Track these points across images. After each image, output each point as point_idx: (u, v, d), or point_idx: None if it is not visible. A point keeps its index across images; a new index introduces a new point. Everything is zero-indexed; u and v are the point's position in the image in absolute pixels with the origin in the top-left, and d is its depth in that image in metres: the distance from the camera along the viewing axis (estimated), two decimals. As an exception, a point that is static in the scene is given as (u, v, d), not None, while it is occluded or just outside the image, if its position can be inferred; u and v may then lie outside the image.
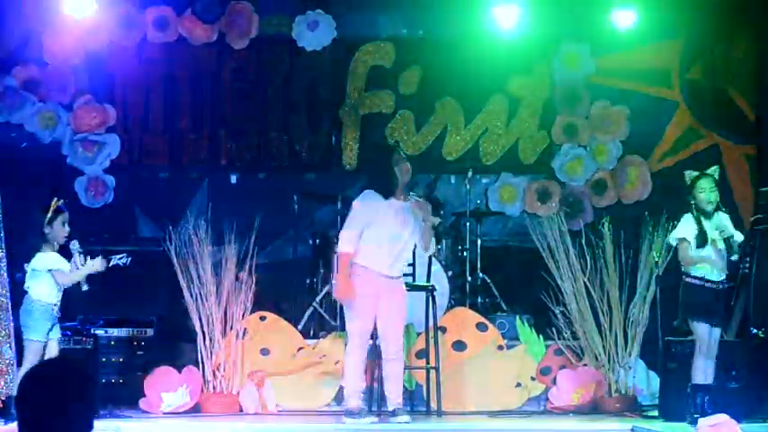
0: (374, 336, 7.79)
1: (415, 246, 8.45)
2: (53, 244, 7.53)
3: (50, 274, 7.45)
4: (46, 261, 7.47)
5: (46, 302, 7.45)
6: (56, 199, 7.61)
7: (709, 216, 7.45)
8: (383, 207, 7.63)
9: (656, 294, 8.39)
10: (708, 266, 7.44)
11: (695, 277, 7.46)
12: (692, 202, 7.49)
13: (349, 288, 7.52)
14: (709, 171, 7.57)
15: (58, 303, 7.53)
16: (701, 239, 7.40)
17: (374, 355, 7.95)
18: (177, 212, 9.39)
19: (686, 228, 7.48)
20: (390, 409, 7.69)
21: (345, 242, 7.60)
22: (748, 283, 8.20)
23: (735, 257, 7.53)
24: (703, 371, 7.46)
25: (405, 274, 8.25)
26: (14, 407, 5.37)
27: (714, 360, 7.47)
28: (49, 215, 7.52)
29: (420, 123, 10.53)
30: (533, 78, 10.52)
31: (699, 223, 7.41)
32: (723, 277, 7.50)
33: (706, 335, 7.45)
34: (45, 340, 7.44)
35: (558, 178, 10.49)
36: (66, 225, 7.56)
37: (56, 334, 7.55)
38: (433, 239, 7.78)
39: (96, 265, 7.54)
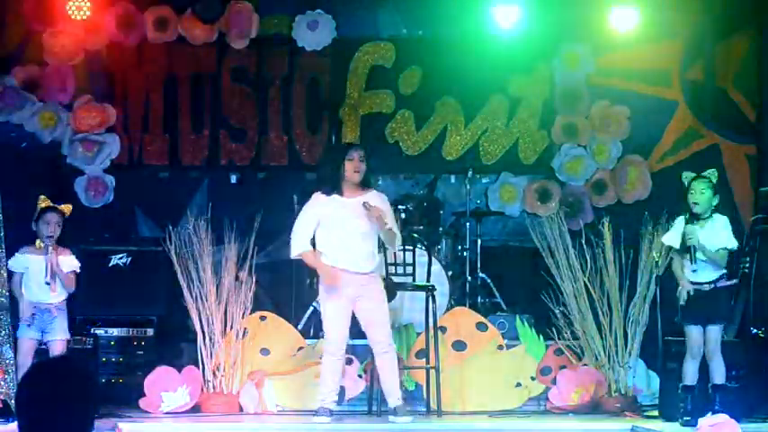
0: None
1: (415, 246, 8.47)
2: (36, 243, 7.55)
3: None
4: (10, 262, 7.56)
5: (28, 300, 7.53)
6: (42, 197, 7.62)
7: (698, 219, 7.39)
8: (333, 205, 7.62)
9: (656, 294, 8.38)
10: (696, 271, 7.42)
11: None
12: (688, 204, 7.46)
13: (331, 273, 7.54)
14: (705, 173, 7.51)
15: (45, 302, 7.54)
16: (683, 244, 7.38)
17: (371, 355, 7.94)
18: (177, 212, 9.38)
19: (674, 232, 7.47)
20: (392, 407, 7.68)
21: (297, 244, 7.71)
22: (748, 282, 8.21)
23: (693, 269, 7.37)
24: (691, 373, 7.46)
25: (406, 274, 8.26)
26: (15, 406, 5.37)
27: (719, 358, 7.44)
28: (36, 213, 7.55)
29: (420, 123, 10.53)
30: (533, 78, 10.52)
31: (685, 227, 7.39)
32: (716, 276, 7.43)
33: (694, 338, 7.43)
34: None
35: (558, 178, 10.49)
36: (52, 225, 7.54)
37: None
38: (398, 236, 7.73)
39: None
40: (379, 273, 7.85)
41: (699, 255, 7.32)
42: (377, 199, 7.64)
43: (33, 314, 7.50)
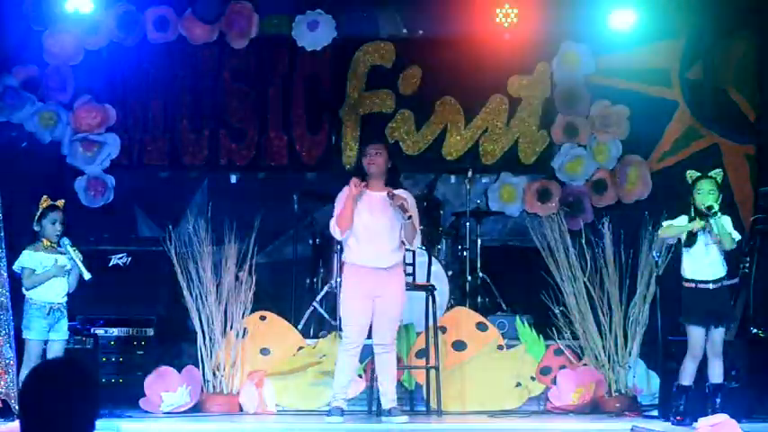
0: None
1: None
2: (42, 242, 7.52)
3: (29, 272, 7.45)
4: (21, 259, 7.48)
5: (37, 300, 7.45)
6: (44, 197, 7.61)
7: (705, 218, 7.35)
8: (361, 199, 7.62)
9: (656, 294, 8.38)
10: (700, 267, 7.40)
11: (688, 280, 7.40)
12: (691, 202, 7.42)
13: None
14: (711, 173, 7.49)
15: (59, 303, 7.51)
16: (690, 239, 7.34)
17: (372, 354, 7.93)
18: (177, 212, 9.40)
19: (678, 221, 7.42)
20: (386, 408, 7.67)
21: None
22: (748, 282, 8.21)
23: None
24: (690, 373, 7.44)
25: (406, 274, 8.24)
26: (17, 405, 5.37)
27: (721, 358, 7.41)
28: (38, 213, 7.53)
29: (420, 123, 10.54)
30: (533, 78, 10.53)
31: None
32: (722, 275, 7.42)
33: (698, 338, 7.40)
34: (39, 339, 7.42)
35: (558, 178, 10.50)
36: (58, 224, 7.52)
37: (59, 335, 7.52)
38: (418, 234, 7.70)
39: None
40: (401, 269, 7.81)
41: (716, 245, 7.30)
42: (402, 193, 7.68)
43: (48, 313, 7.47)
